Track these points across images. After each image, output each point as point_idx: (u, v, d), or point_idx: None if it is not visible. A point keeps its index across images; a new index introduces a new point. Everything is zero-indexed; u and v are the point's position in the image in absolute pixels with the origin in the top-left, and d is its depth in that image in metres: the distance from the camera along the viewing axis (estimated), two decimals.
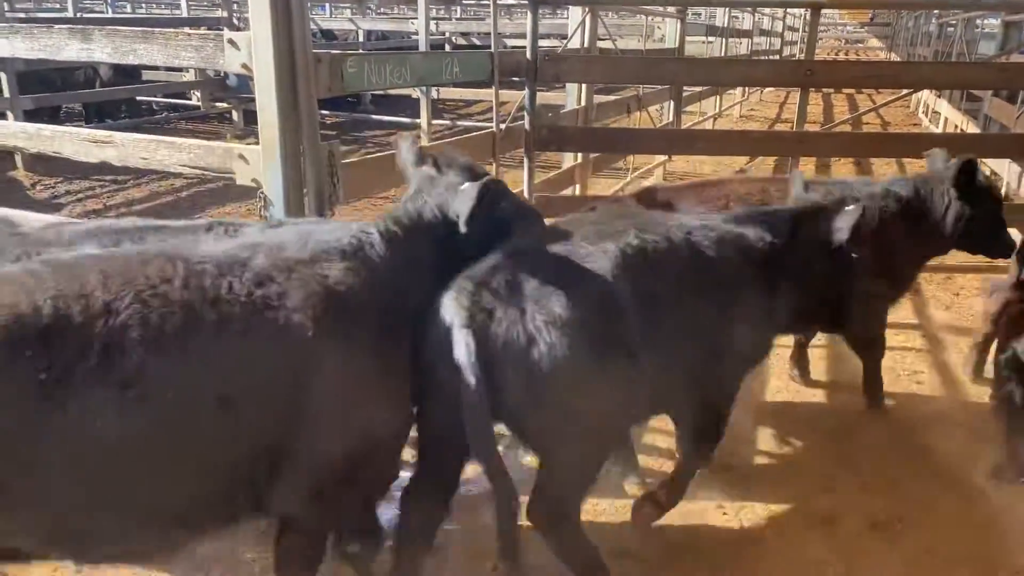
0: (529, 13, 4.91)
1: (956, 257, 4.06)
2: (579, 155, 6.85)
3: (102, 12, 16.28)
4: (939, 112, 12.17)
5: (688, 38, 9.77)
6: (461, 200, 2.27)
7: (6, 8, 12.23)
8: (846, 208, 2.73)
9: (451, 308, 2.11)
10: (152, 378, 1.70)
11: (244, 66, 2.99)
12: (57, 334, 1.64)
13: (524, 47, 4.92)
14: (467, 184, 2.32)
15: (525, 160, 5.22)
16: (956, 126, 10.45)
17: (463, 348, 2.04)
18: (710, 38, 13.59)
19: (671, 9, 8.96)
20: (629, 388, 2.27)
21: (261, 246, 2.02)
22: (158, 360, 1.71)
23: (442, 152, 2.48)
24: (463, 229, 2.26)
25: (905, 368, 4.37)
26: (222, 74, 11.82)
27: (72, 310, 1.67)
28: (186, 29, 3.35)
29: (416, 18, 11.12)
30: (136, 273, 1.79)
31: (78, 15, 12.98)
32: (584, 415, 2.19)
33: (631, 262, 2.31)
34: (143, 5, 22.41)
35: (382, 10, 19.73)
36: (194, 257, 1.90)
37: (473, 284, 2.15)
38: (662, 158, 8.92)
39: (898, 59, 19.90)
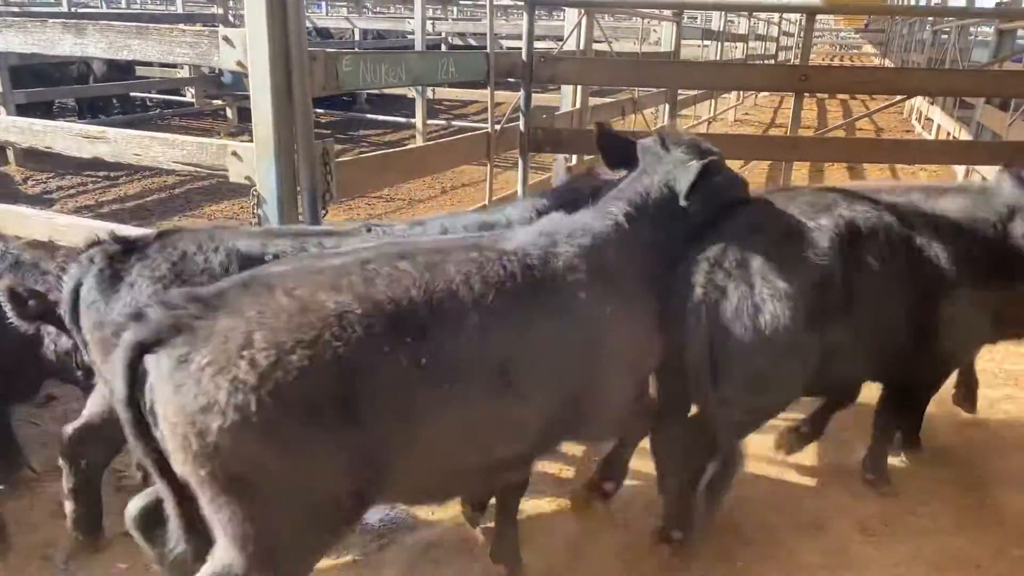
0: (525, 14, 4.91)
1: None
2: (573, 157, 6.86)
3: (97, 7, 16.18)
4: (932, 119, 12.23)
5: (684, 42, 9.79)
6: (683, 176, 2.54)
7: (0, 2, 12.19)
8: None
9: (689, 285, 2.52)
10: (508, 359, 2.03)
11: (239, 63, 2.98)
12: (434, 324, 1.93)
13: (520, 48, 4.91)
14: (692, 161, 2.56)
15: (520, 161, 5.22)
16: (949, 133, 10.51)
17: (693, 320, 2.49)
18: (706, 42, 13.63)
19: (667, 12, 8.98)
20: (834, 352, 2.65)
21: (558, 235, 2.33)
22: (512, 343, 2.05)
23: (668, 131, 2.75)
24: (683, 203, 2.55)
25: None
26: (217, 71, 11.78)
27: (446, 304, 1.96)
28: (181, 25, 3.33)
29: (412, 18, 11.12)
30: (487, 269, 2.09)
31: (72, 10, 12.89)
32: (792, 373, 2.64)
33: (845, 235, 2.65)
34: (137, 1, 22.31)
35: (378, 9, 19.73)
36: (520, 252, 2.21)
37: (709, 264, 2.54)
38: None
39: (892, 65, 20.00)
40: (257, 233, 2.55)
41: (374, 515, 3.11)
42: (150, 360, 1.75)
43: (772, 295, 2.50)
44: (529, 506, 3.07)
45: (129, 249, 2.37)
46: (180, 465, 1.78)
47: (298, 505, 1.85)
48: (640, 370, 2.56)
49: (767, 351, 2.52)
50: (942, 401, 4.02)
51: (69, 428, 2.72)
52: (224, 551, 1.87)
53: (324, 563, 2.82)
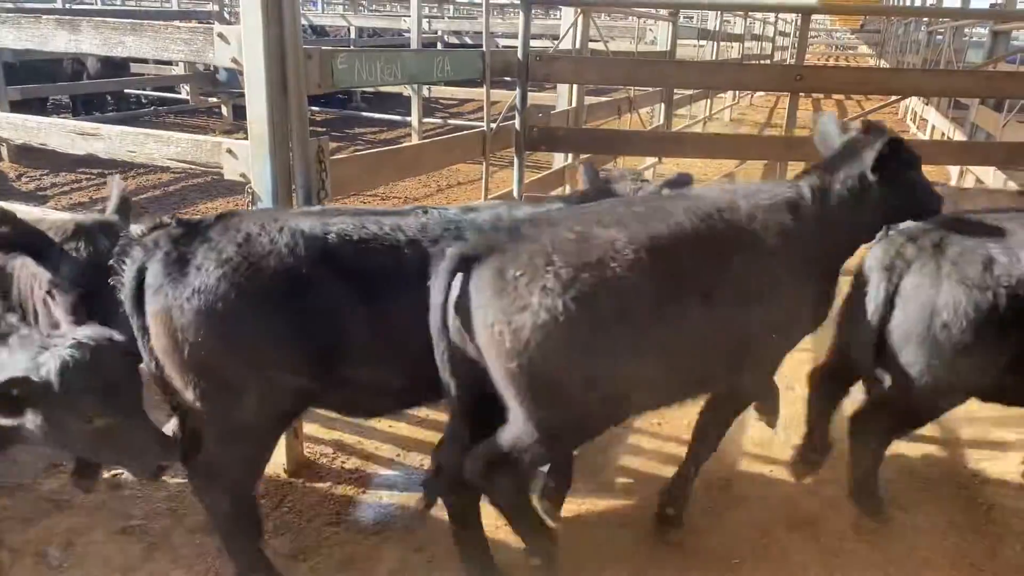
0: (521, 13, 4.90)
1: None
2: (569, 156, 6.86)
3: (91, 4, 16.11)
4: (927, 119, 12.26)
5: (680, 41, 9.79)
6: (869, 152, 2.69)
7: None
8: None
9: (879, 250, 2.71)
10: (714, 289, 2.36)
11: (234, 60, 2.97)
12: (674, 251, 2.30)
13: (516, 47, 4.91)
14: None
15: (515, 160, 5.21)
16: (943, 133, 10.54)
17: (876, 282, 2.67)
18: (702, 42, 13.63)
19: (663, 12, 8.98)
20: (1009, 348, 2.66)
21: (750, 197, 2.59)
22: (717, 276, 2.39)
23: (873, 122, 2.90)
24: (871, 178, 2.68)
25: None
26: (212, 68, 11.75)
27: (668, 243, 2.31)
28: (176, 22, 3.31)
29: (408, 16, 11.10)
30: (701, 217, 2.43)
31: (67, 6, 12.84)
32: (961, 356, 2.64)
33: None
34: None
35: (374, 7, 19.71)
36: (722, 206, 2.51)
37: (904, 237, 2.69)
38: (652, 160, 8.95)
39: (887, 66, 20.04)
40: (316, 213, 2.54)
41: (369, 511, 3.12)
42: (462, 278, 2.19)
43: (959, 280, 2.57)
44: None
45: (191, 232, 2.35)
46: (492, 360, 2.19)
47: (578, 395, 2.25)
48: (795, 330, 2.70)
49: (941, 330, 2.61)
50: None
51: (168, 428, 2.63)
52: (516, 429, 2.29)
53: (317, 558, 2.83)
